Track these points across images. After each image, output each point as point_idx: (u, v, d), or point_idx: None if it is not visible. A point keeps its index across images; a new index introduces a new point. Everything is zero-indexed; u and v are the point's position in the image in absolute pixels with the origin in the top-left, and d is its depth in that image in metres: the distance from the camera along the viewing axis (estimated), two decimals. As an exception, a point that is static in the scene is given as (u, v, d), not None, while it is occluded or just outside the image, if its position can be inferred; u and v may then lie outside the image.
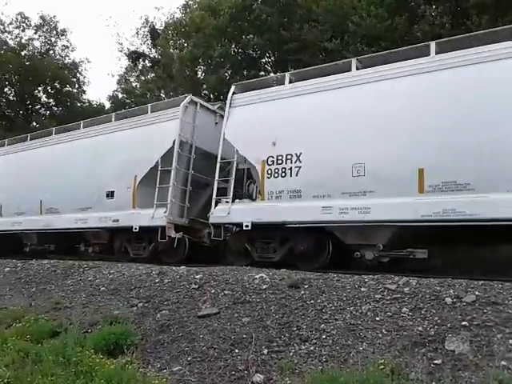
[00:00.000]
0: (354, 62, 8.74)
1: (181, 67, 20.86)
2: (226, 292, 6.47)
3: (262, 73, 20.37)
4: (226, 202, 9.47)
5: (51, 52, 30.03)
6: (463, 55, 7.52)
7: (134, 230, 10.67)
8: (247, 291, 6.35)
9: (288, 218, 8.64)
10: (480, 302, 5.04)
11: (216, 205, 9.64)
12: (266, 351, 5.00)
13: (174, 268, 8.13)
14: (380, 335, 4.87)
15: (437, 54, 7.85)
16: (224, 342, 5.29)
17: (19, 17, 28.80)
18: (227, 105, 10.09)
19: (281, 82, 9.63)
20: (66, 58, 30.47)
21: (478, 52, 7.42)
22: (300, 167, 8.63)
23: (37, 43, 29.59)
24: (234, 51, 19.92)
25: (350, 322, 5.19)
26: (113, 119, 12.57)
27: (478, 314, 4.85)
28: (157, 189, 10.54)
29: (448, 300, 5.19)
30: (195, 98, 11.36)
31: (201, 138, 10.85)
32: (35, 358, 5.35)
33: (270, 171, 8.97)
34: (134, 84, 29.48)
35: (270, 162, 9.00)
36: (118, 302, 7.08)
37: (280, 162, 8.88)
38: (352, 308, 5.46)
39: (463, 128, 7.23)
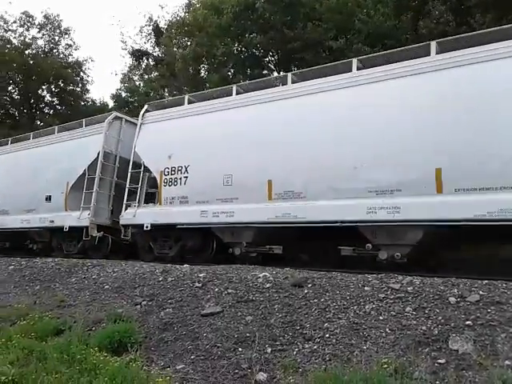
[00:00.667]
0: (234, 88, 10.37)
1: (184, 66, 20.87)
2: (229, 291, 6.48)
3: (266, 71, 20.34)
4: (135, 206, 11.06)
5: (55, 51, 30.11)
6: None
7: (64, 230, 12.34)
8: (250, 290, 6.37)
9: (179, 220, 10.18)
10: (484, 302, 5.03)
11: (126, 208, 11.22)
12: (269, 350, 5.01)
13: (177, 266, 8.16)
14: (384, 334, 4.87)
15: (293, 82, 9.45)
16: (227, 340, 5.30)
17: (23, 15, 28.91)
18: (139, 121, 11.66)
19: (181, 103, 11.27)
20: (70, 56, 30.61)
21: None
22: (187, 177, 10.23)
23: (40, 42, 29.73)
24: (237, 50, 19.90)
25: (354, 321, 5.19)
26: (56, 131, 14.22)
27: (481, 313, 4.84)
28: (83, 194, 12.15)
29: (452, 299, 5.18)
30: (120, 115, 13.14)
31: (126, 149, 12.13)
32: (40, 356, 5.38)
33: (166, 180, 10.55)
34: (137, 83, 29.52)
35: (166, 173, 10.57)
36: (121, 300, 7.10)
37: (173, 172, 10.45)
38: (356, 307, 5.46)
39: (296, 145, 8.77)
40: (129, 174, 11.34)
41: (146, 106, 11.88)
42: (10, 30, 28.62)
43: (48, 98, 30.72)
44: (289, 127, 8.99)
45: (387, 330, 4.93)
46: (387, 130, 7.94)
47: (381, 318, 5.15)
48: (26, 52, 28.40)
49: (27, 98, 29.46)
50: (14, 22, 28.66)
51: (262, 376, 4.62)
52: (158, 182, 10.68)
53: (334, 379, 4.14)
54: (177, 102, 11.64)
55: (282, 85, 9.77)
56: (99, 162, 11.94)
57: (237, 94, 10.20)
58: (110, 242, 11.98)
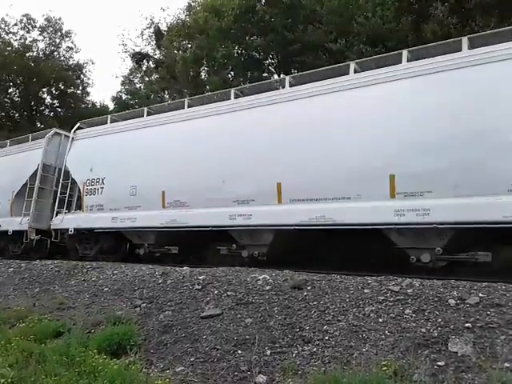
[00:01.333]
0: (145, 110, 12.17)
1: (184, 68, 20.90)
2: (229, 293, 6.47)
3: (266, 74, 20.37)
4: (64, 212, 12.53)
5: (56, 53, 30.16)
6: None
7: (8, 233, 13.83)
8: (250, 292, 6.36)
9: (96, 225, 11.79)
10: (483, 304, 5.02)
11: (56, 215, 12.71)
12: (268, 352, 5.00)
13: (177, 269, 8.16)
14: (383, 336, 4.86)
15: (189, 106, 11.18)
16: (227, 342, 5.30)
17: (24, 18, 28.96)
18: (70, 137, 13.28)
19: (104, 122, 12.94)
20: (71, 59, 30.62)
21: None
22: (103, 188, 11.85)
23: (41, 44, 29.76)
24: (237, 53, 19.92)
25: (353, 324, 5.18)
26: (8, 145, 15.84)
27: (481, 315, 4.83)
28: (25, 202, 13.56)
29: (451, 302, 5.18)
30: (60, 131, 14.53)
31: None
32: (39, 358, 5.37)
33: (87, 190, 12.19)
34: (138, 85, 29.56)
35: (87, 184, 12.19)
36: (121, 302, 7.10)
37: (93, 183, 12.08)
38: (355, 309, 5.46)
39: (187, 160, 10.32)
40: (60, 184, 13.00)
41: (78, 124, 13.58)
42: (10, 32, 28.73)
43: (48, 100, 30.81)
44: (176, 146, 10.74)
45: (387, 332, 4.92)
46: (247, 150, 9.55)
47: (380, 320, 5.15)
48: (27, 54, 28.45)
49: (28, 101, 29.51)
50: (15, 24, 28.77)
51: (261, 378, 4.62)
52: (82, 191, 12.37)
53: (334, 381, 4.13)
54: (102, 121, 13.29)
55: (179, 109, 11.56)
56: (38, 173, 13.43)
57: (148, 115, 12.08)
58: (49, 244, 13.30)
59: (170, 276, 7.64)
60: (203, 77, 22.48)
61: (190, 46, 21.96)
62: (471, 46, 7.78)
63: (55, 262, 10.43)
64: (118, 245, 11.94)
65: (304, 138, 8.89)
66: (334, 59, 16.10)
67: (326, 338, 5.05)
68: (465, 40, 7.88)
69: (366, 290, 5.85)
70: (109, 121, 12.86)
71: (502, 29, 8.11)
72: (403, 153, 7.81)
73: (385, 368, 4.26)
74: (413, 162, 7.67)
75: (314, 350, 4.92)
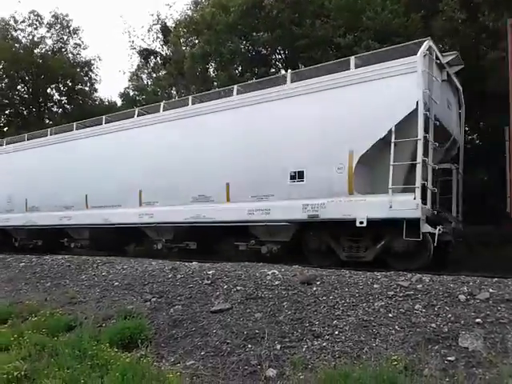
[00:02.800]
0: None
1: (192, 64, 20.87)
2: (238, 288, 6.51)
3: (273, 70, 20.30)
4: None
5: (63, 50, 30.22)
6: None
7: None
8: (259, 287, 6.39)
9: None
10: (494, 299, 5.02)
11: None
12: (278, 346, 5.03)
13: (186, 264, 8.21)
14: (393, 331, 4.88)
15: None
16: (237, 337, 5.34)
17: (32, 15, 29.03)
18: None
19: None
20: (78, 56, 30.66)
21: None
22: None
23: (49, 41, 29.78)
24: (244, 48, 19.86)
25: (363, 319, 5.20)
26: None
27: (491, 311, 4.83)
28: None
29: (461, 297, 5.18)
30: None
31: None
32: (51, 352, 5.46)
33: None
34: (145, 81, 29.56)
35: None
36: (131, 296, 7.16)
37: None
38: (365, 304, 5.47)
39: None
40: None
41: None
42: (18, 29, 28.83)
43: (57, 96, 30.89)
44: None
45: (396, 327, 4.93)
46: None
47: (390, 315, 5.16)
48: (35, 51, 28.53)
49: (36, 97, 29.60)
50: (23, 21, 28.84)
51: (271, 372, 4.65)
52: None
53: (344, 376, 4.16)
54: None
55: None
56: None
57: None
58: None
59: (179, 271, 7.69)
60: (211, 73, 22.46)
61: (197, 41, 21.92)
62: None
63: (66, 256, 10.51)
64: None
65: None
66: (342, 54, 16.01)
67: (336, 332, 5.08)
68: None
69: (375, 285, 5.86)
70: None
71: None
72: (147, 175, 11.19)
73: (395, 363, 4.28)
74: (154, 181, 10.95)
75: (324, 344, 4.94)
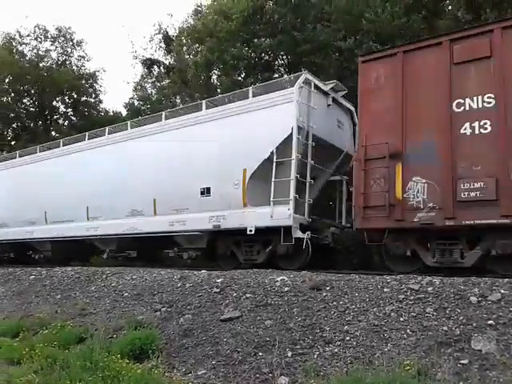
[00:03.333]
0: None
1: (195, 73, 20.98)
2: (247, 295, 6.49)
3: (276, 75, 20.35)
4: None
5: (68, 62, 30.52)
6: None
7: None
8: (269, 294, 6.37)
9: None
10: (506, 301, 4.97)
11: None
12: (289, 354, 5.01)
13: (195, 272, 8.20)
14: (405, 336, 4.84)
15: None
16: (248, 345, 5.32)
17: (36, 29, 29.37)
18: None
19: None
20: (83, 68, 30.95)
21: None
22: None
23: (54, 54, 30.07)
24: (247, 55, 19.94)
25: (374, 323, 5.16)
26: None
27: (503, 312, 4.78)
28: None
29: (473, 299, 5.13)
30: None
31: None
32: (63, 364, 5.44)
33: None
34: (149, 91, 29.74)
35: None
36: (141, 307, 7.17)
37: None
38: (375, 309, 5.43)
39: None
40: None
41: None
42: (24, 43, 29.18)
43: (62, 109, 31.17)
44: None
45: (408, 331, 4.89)
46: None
47: (401, 319, 5.12)
48: (41, 65, 28.85)
49: (42, 110, 29.89)
50: (28, 35, 29.19)
51: (283, 380, 4.63)
52: None
53: (356, 382, 4.13)
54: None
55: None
56: None
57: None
58: None
59: (188, 280, 7.69)
60: (214, 80, 22.57)
61: (200, 49, 22.04)
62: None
63: (75, 268, 10.56)
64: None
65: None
66: (344, 58, 16.02)
67: (347, 338, 5.04)
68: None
69: (385, 289, 5.82)
70: None
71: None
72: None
73: (408, 368, 4.24)
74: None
75: (336, 350, 4.91)
